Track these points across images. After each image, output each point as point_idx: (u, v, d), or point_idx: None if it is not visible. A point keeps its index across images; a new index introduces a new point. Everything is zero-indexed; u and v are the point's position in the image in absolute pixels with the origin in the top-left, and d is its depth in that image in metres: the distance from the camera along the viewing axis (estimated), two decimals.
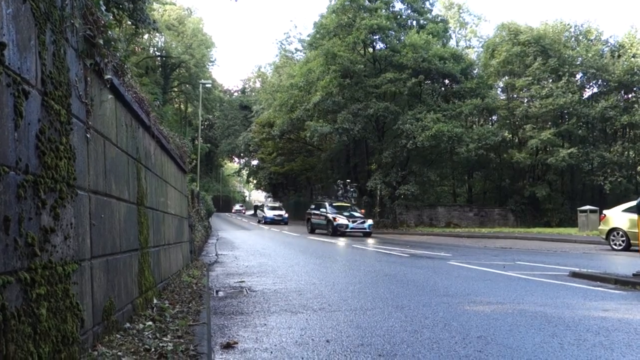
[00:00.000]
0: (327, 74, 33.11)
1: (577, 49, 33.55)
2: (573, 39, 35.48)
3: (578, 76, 33.87)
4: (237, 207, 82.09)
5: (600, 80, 33.19)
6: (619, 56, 32.45)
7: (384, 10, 35.16)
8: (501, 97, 35.89)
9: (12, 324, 1.95)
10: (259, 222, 40.44)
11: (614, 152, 31.50)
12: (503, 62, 33.22)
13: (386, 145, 33.51)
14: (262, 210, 40.75)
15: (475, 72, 36.76)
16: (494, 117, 37.17)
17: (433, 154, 33.08)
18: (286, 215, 38.69)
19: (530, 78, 31.82)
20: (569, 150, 29.73)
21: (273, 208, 40.47)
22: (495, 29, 37.44)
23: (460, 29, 49.81)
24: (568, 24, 35.04)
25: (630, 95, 33.63)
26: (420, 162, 33.27)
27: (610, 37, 35.64)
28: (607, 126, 32.93)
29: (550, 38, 33.00)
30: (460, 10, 49.07)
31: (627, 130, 33.67)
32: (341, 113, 32.76)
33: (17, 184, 2.07)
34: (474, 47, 47.66)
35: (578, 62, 32.27)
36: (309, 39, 40.69)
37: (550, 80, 31.83)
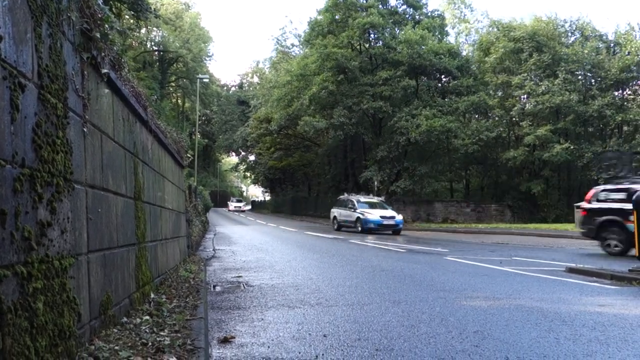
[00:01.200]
0: (323, 71, 33.08)
1: (573, 45, 33.50)
2: (569, 34, 35.42)
3: (574, 73, 33.81)
4: (234, 202, 61.54)
5: (596, 77, 33.17)
6: (615, 53, 32.45)
7: (380, 6, 35.03)
8: (498, 94, 35.85)
9: (8, 317, 1.94)
10: (337, 228, 24.66)
11: (608, 149, 31.52)
12: (499, 59, 33.17)
13: (382, 140, 33.53)
14: (353, 208, 23.54)
15: (472, 68, 36.69)
16: (493, 114, 37.13)
17: (429, 150, 33.06)
18: (400, 217, 22.76)
19: (525, 74, 31.81)
20: (564, 145, 29.81)
21: (371, 205, 23.64)
22: (486, 26, 37.38)
23: (460, 24, 49.54)
24: (564, 19, 35.03)
25: (625, 93, 33.65)
26: (416, 157, 33.22)
27: (604, 34, 35.51)
28: (603, 123, 32.97)
29: (545, 34, 32.94)
30: (462, 6, 48.76)
31: (621, 127, 33.74)
32: (337, 108, 32.72)
33: (13, 177, 2.06)
34: (473, 44, 47.53)
35: (574, 59, 32.19)
36: (304, 34, 40.59)
37: (540, 78, 31.79)
